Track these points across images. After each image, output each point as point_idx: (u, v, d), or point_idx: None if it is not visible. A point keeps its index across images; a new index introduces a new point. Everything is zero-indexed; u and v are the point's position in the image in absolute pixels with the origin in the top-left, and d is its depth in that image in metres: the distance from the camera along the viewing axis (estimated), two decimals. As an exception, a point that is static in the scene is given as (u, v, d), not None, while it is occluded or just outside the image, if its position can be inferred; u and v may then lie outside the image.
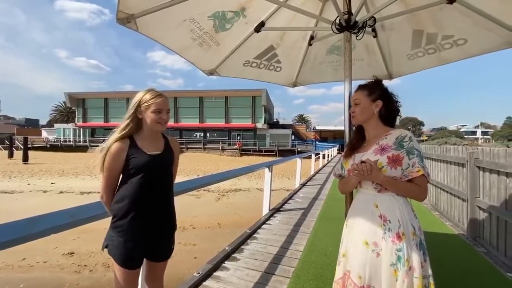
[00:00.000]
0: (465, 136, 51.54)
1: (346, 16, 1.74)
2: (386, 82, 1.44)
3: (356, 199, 1.40)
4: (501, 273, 2.52)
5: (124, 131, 1.27)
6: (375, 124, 1.34)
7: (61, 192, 11.54)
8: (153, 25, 1.66)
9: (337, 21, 1.77)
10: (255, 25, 2.04)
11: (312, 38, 2.40)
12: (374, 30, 2.17)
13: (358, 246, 1.26)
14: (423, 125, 66.10)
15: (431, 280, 1.17)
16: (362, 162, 1.21)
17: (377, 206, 1.24)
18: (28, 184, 13.04)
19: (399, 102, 1.37)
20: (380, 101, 1.31)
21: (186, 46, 1.95)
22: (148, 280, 1.43)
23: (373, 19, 1.76)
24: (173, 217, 1.42)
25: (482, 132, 66.97)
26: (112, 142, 1.24)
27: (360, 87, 1.38)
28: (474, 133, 67.09)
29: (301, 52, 2.53)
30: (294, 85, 2.85)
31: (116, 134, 1.26)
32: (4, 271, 4.91)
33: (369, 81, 1.40)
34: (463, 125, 76.77)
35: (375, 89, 1.33)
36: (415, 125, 61.74)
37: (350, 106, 1.43)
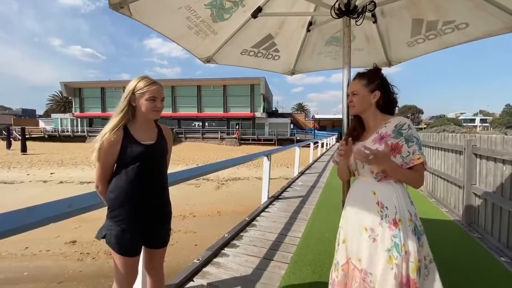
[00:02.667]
0: (464, 124, 51.60)
1: (345, 0, 1.69)
2: (385, 70, 1.42)
3: (353, 186, 1.41)
4: (494, 258, 2.59)
5: (121, 121, 1.25)
6: (373, 114, 1.32)
7: (61, 182, 11.60)
8: (147, 11, 1.61)
9: (337, 5, 1.72)
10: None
11: (310, 24, 2.35)
12: (373, 15, 2.12)
13: (356, 232, 1.28)
14: (422, 113, 65.93)
15: (427, 263, 1.20)
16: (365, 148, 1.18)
17: (374, 193, 1.25)
18: (28, 174, 13.07)
19: (397, 93, 1.34)
20: (378, 91, 1.28)
21: (182, 34, 1.90)
22: (148, 268, 1.46)
23: (373, 3, 1.71)
24: (169, 206, 1.43)
25: (480, 119, 67.03)
26: (107, 132, 1.22)
27: (359, 76, 1.34)
28: (472, 121, 67.17)
29: (299, 39, 2.48)
30: (292, 73, 2.81)
31: (111, 124, 1.24)
32: (8, 259, 5.01)
33: (368, 68, 1.37)
34: (462, 113, 76.58)
35: (373, 79, 1.30)
36: (414, 113, 61.58)
37: (348, 95, 1.41)
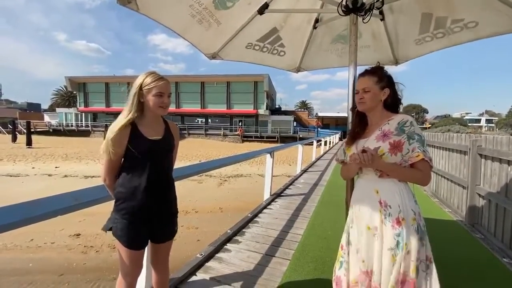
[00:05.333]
0: (469, 124, 51.01)
1: (353, -2, 1.67)
2: (391, 68, 1.41)
3: (357, 185, 1.41)
4: (497, 258, 2.58)
5: (129, 117, 1.25)
6: (379, 111, 1.32)
7: (65, 176, 11.72)
8: (153, 3, 1.61)
9: (344, 2, 1.71)
10: (258, 6, 1.97)
11: (317, 21, 2.33)
12: (381, 12, 2.10)
13: (361, 232, 1.29)
14: (427, 112, 65.18)
15: (428, 263, 1.20)
16: (363, 151, 1.20)
17: (377, 192, 1.25)
18: (33, 168, 13.21)
19: (400, 91, 1.35)
20: (388, 89, 1.29)
21: (186, 25, 1.87)
22: (153, 262, 1.48)
23: (381, 0, 1.70)
24: (174, 201, 1.44)
25: (486, 120, 66.15)
26: (115, 127, 1.23)
27: (369, 73, 1.32)
28: (478, 121, 66.31)
29: (305, 36, 2.46)
30: (298, 70, 2.80)
31: (119, 120, 1.25)
32: (13, 251, 5.09)
33: (372, 66, 1.36)
34: (467, 113, 75.62)
35: (383, 77, 1.30)
36: (418, 112, 60.99)
37: (354, 91, 1.40)
